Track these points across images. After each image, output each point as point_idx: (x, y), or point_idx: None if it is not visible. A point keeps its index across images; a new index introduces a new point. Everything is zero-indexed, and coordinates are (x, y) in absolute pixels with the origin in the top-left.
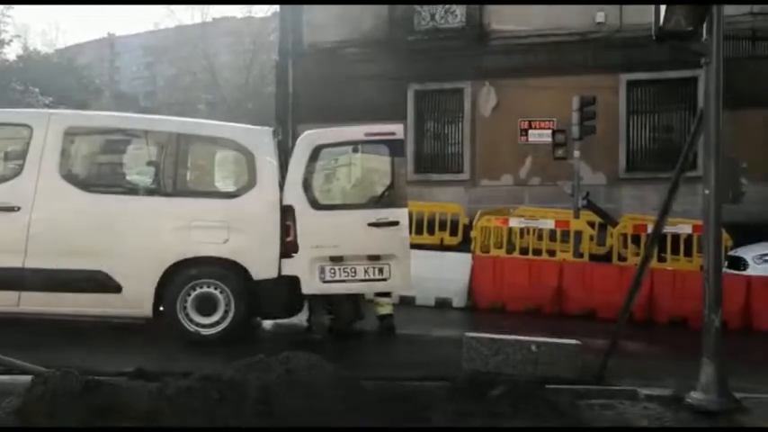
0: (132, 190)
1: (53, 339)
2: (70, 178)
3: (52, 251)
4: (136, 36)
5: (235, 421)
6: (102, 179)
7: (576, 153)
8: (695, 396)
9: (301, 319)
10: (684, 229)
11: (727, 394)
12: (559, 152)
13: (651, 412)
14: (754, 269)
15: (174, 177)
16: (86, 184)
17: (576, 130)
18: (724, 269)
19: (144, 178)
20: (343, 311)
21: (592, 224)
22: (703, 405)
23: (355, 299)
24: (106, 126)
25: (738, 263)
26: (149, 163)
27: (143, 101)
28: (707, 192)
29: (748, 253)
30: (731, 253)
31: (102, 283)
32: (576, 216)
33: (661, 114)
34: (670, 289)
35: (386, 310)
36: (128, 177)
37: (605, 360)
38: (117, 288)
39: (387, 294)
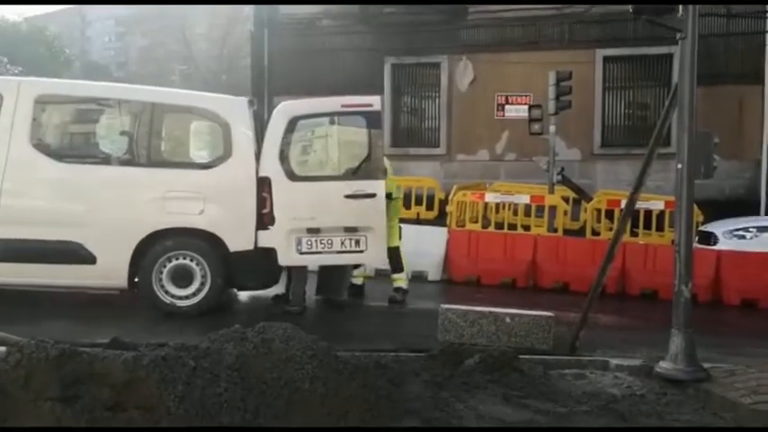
0: (106, 160)
1: (26, 311)
2: (42, 147)
3: (24, 221)
4: (107, 6)
5: (211, 390)
6: (74, 149)
7: (552, 128)
8: (664, 366)
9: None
10: (657, 204)
11: (695, 364)
12: (535, 127)
13: (621, 381)
14: (725, 244)
15: (149, 147)
16: (58, 154)
17: (551, 105)
18: (695, 244)
19: (117, 148)
20: (333, 282)
21: (566, 199)
22: (672, 374)
23: (343, 270)
24: (78, 95)
25: (709, 238)
26: (123, 133)
27: (115, 71)
28: (680, 166)
29: (719, 228)
30: (702, 228)
31: (76, 253)
32: (551, 191)
33: (636, 90)
34: (641, 262)
35: (398, 283)
36: (101, 147)
37: (578, 331)
38: (91, 259)
39: (400, 270)
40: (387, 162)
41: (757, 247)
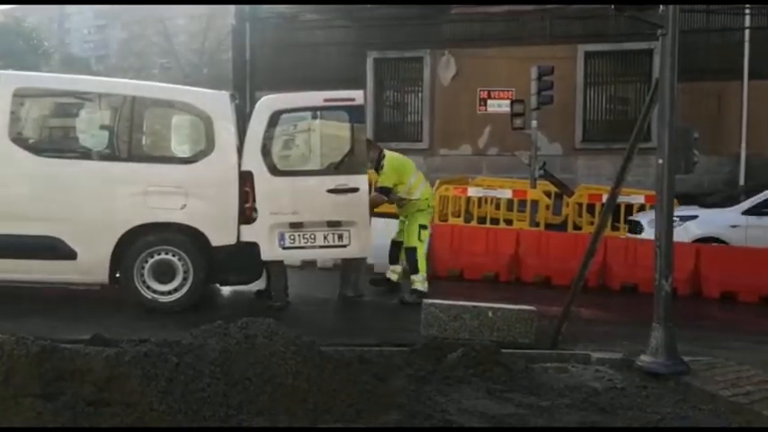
0: (86, 154)
1: (6, 307)
2: (20, 142)
3: (3, 216)
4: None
5: (193, 386)
6: (54, 143)
7: (534, 123)
8: (645, 359)
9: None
10: (637, 199)
11: (675, 357)
12: (517, 122)
13: (603, 375)
14: (649, 232)
15: (129, 142)
16: (38, 148)
17: (533, 100)
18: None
19: (98, 142)
20: (350, 278)
21: (548, 194)
22: (652, 368)
23: (357, 266)
24: (58, 88)
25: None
26: (103, 127)
27: (95, 65)
28: (660, 161)
29: (644, 217)
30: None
31: (56, 249)
32: (533, 186)
33: (617, 86)
34: (622, 257)
35: (415, 285)
36: (81, 141)
37: (560, 325)
38: (71, 255)
39: (415, 271)
40: (400, 159)
41: (681, 235)
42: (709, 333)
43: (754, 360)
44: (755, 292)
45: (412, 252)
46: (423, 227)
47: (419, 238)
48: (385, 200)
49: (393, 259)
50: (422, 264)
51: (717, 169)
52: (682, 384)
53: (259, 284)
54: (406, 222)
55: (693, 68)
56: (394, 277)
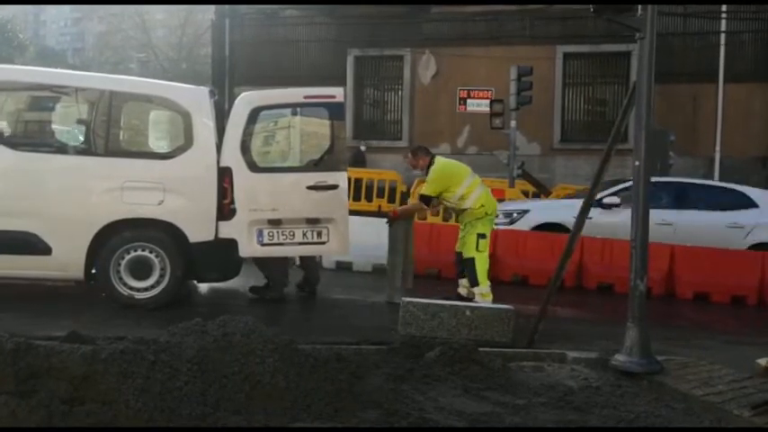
0: (62, 149)
1: None
2: None
3: None
4: None
5: (170, 384)
6: (29, 137)
7: (513, 123)
8: (619, 358)
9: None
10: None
11: (649, 356)
12: (496, 122)
13: (578, 374)
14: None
15: (106, 136)
16: (13, 143)
17: (512, 100)
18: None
19: (74, 137)
20: (312, 274)
21: (526, 193)
22: (627, 367)
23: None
24: (33, 81)
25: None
26: (80, 121)
27: (71, 58)
28: (636, 163)
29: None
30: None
31: (31, 244)
32: (511, 185)
33: (595, 87)
34: (599, 257)
35: (462, 291)
36: (57, 136)
37: (536, 324)
38: (47, 250)
39: (475, 283)
40: (451, 166)
41: (521, 226)
42: (683, 333)
43: (726, 359)
44: (727, 292)
45: (470, 263)
46: (481, 236)
47: (477, 249)
48: (425, 208)
49: (460, 272)
50: (482, 275)
51: (692, 171)
52: (655, 383)
53: (243, 280)
54: (464, 232)
55: (670, 71)
56: (464, 291)
